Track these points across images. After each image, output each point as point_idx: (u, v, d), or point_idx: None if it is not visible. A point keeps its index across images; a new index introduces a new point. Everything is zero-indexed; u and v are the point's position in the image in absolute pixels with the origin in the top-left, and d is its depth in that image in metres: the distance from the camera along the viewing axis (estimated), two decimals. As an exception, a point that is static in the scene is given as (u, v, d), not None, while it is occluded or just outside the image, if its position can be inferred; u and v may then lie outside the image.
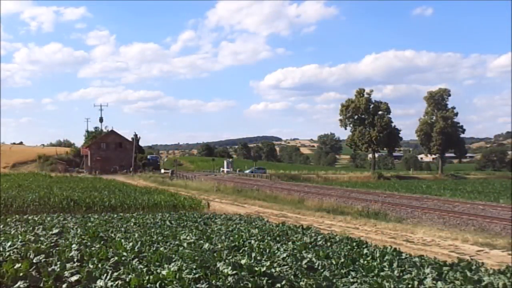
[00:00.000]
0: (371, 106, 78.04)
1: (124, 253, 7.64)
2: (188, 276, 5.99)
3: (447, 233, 14.52)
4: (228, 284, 5.77)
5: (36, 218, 14.07)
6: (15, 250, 7.86)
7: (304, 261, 7.39)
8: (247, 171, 74.73)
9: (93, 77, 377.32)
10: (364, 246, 9.67)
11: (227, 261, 6.97)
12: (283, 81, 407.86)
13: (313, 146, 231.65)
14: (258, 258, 7.74)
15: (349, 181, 61.54)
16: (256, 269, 6.31)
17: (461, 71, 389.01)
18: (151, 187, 31.39)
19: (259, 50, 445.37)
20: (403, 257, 8.46)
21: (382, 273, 6.83)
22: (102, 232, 10.71)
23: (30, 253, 7.41)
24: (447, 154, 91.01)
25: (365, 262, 7.75)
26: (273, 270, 6.62)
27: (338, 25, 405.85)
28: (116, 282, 5.73)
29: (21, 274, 6.07)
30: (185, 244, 9.03)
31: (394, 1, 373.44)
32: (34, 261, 6.94)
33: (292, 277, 6.39)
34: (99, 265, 6.69)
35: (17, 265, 6.40)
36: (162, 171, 67.14)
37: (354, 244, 9.87)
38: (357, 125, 78.46)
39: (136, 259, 7.26)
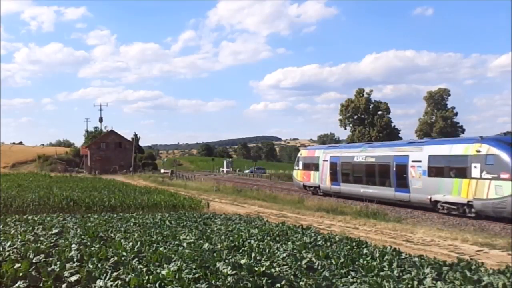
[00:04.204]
0: (370, 106, 78.11)
1: (124, 253, 7.64)
2: (187, 276, 5.99)
3: (447, 233, 14.52)
4: (228, 284, 5.76)
5: (36, 218, 14.05)
6: (14, 250, 7.85)
7: (304, 261, 7.39)
8: (246, 171, 74.77)
9: (93, 77, 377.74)
10: (363, 246, 9.67)
11: (226, 261, 6.97)
12: (283, 81, 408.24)
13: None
14: (258, 258, 7.73)
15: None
16: (256, 269, 6.31)
17: (461, 71, 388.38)
18: (150, 187, 31.38)
19: (259, 50, 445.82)
20: (402, 257, 8.46)
21: (381, 273, 6.83)
22: (102, 232, 10.69)
23: (30, 253, 7.40)
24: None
25: (365, 262, 7.75)
26: (272, 270, 6.62)
27: (339, 25, 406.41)
28: (116, 282, 5.73)
29: (20, 274, 6.06)
30: (184, 244, 9.02)
31: (394, 1, 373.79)
32: (33, 261, 6.93)
33: (291, 277, 6.39)
34: (99, 265, 6.69)
35: (17, 265, 6.39)
36: (162, 171, 67.14)
37: (354, 244, 9.86)
38: (356, 125, 78.52)
39: (136, 259, 7.26)
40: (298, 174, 33.54)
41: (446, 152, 20.60)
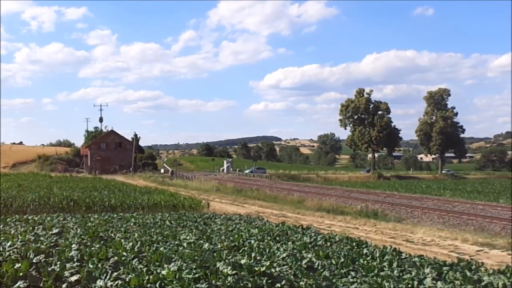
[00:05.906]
0: (371, 106, 78.06)
1: (124, 253, 7.64)
2: (188, 276, 5.99)
3: (447, 233, 14.53)
4: (228, 284, 5.77)
5: (36, 218, 14.06)
6: (15, 250, 7.86)
7: (304, 261, 7.39)
8: (246, 171, 74.76)
9: (94, 77, 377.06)
10: (364, 246, 9.67)
11: (227, 261, 6.97)
12: (283, 81, 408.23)
13: (313, 146, 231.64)
14: (258, 258, 7.74)
15: (349, 181, 61.61)
16: (256, 269, 6.31)
17: (462, 71, 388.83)
18: (151, 187, 31.38)
19: (259, 50, 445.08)
20: (403, 257, 8.46)
21: (382, 273, 6.83)
22: (102, 232, 10.70)
23: (30, 253, 7.41)
24: (447, 154, 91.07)
25: (365, 262, 7.75)
26: (273, 270, 6.62)
27: (339, 25, 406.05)
28: (116, 282, 5.73)
29: (21, 274, 6.07)
30: (185, 244, 9.03)
31: (395, 1, 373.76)
32: (34, 261, 6.94)
33: (292, 277, 6.40)
34: (99, 265, 6.69)
35: (17, 265, 6.39)
36: (162, 171, 67.14)
37: (354, 244, 9.87)
38: (357, 125, 78.47)
39: (136, 259, 7.26)
40: None
41: None
